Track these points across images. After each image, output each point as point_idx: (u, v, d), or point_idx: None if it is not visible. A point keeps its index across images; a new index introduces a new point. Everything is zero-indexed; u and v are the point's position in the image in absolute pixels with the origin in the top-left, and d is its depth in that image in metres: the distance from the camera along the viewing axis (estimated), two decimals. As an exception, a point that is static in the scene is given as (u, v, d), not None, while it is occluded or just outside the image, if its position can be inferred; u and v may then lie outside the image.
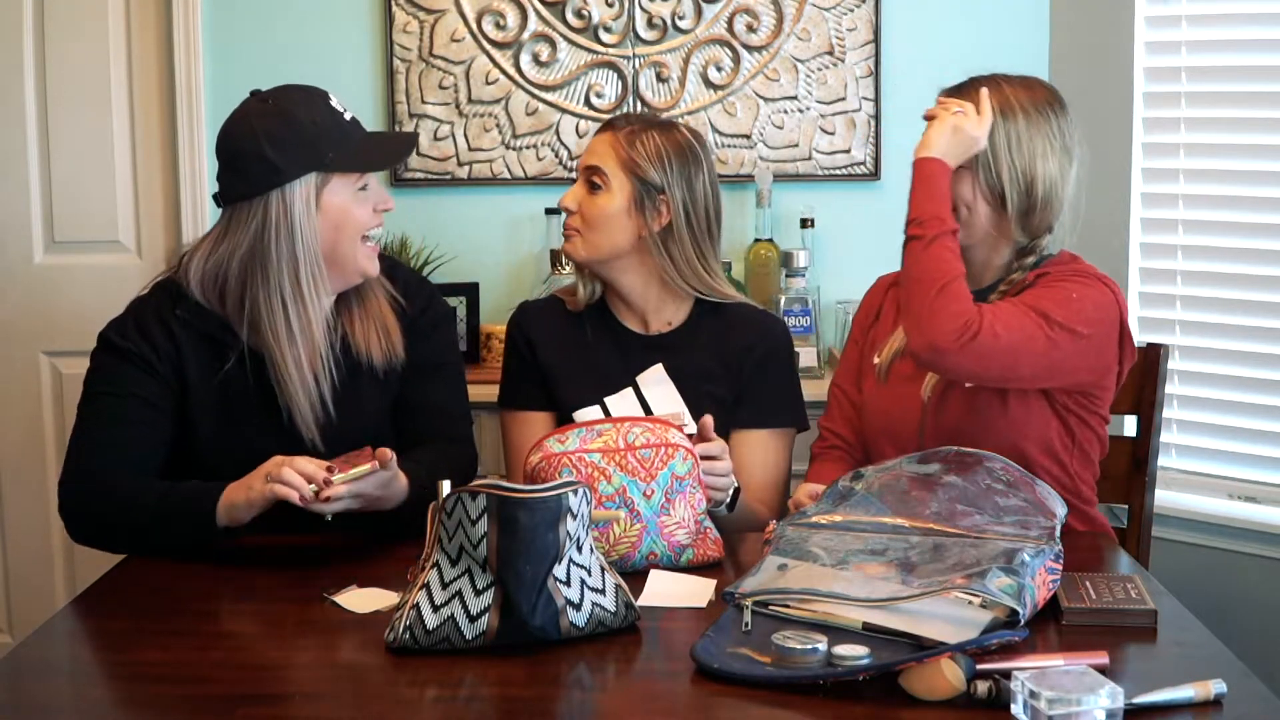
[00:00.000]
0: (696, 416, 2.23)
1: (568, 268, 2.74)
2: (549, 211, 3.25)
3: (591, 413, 2.25)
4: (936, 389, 2.10)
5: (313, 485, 1.90)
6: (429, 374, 2.25)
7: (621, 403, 2.25)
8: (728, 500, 2.08)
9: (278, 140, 2.06)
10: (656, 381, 2.27)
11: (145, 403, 2.11)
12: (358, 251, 2.13)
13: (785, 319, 2.76)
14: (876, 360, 2.21)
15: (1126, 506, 2.40)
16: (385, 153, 2.17)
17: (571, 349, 2.30)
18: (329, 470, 1.92)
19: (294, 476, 1.90)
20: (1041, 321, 1.98)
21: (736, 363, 2.29)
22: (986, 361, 1.97)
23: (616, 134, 2.27)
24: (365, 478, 1.94)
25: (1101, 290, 2.06)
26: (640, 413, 2.24)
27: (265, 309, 2.08)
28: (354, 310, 2.19)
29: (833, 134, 3.31)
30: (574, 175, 3.24)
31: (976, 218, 2.11)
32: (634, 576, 1.87)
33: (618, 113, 3.30)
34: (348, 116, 2.14)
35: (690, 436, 2.01)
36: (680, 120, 3.31)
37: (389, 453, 1.96)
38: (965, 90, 2.13)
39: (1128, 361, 2.11)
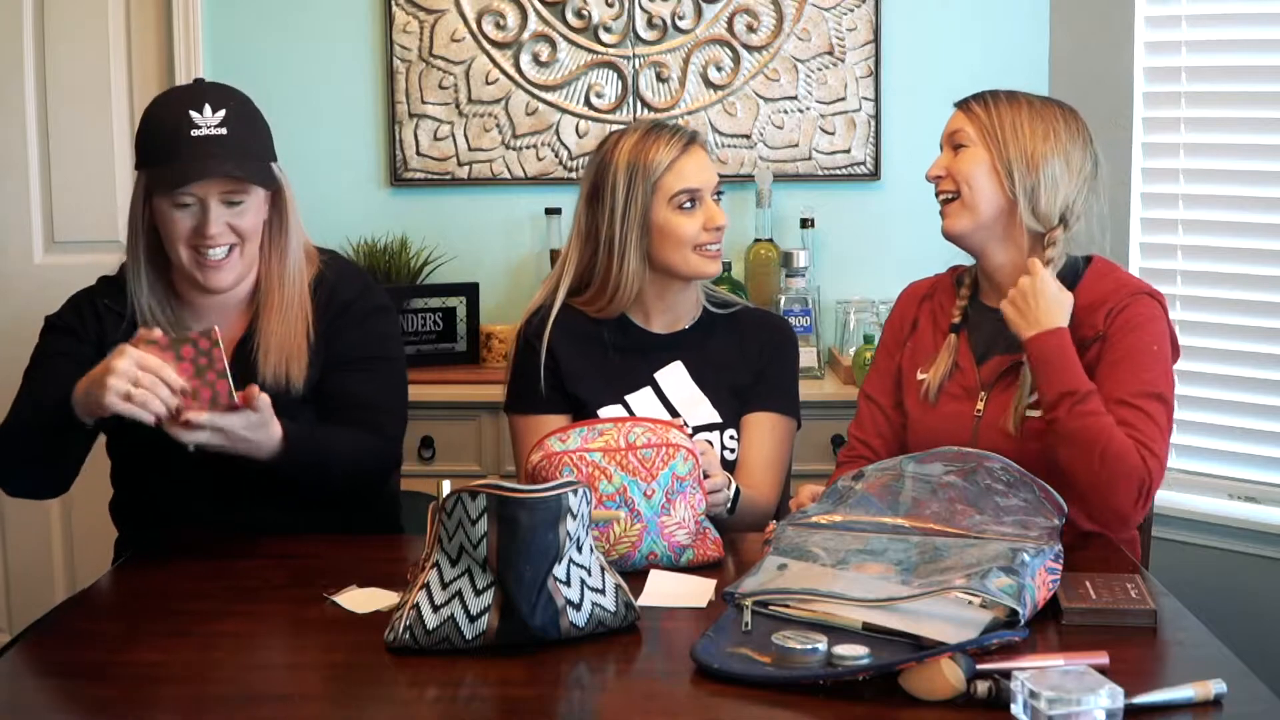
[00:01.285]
0: (717, 406, 2.25)
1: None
2: (549, 211, 3.26)
3: (614, 411, 2.25)
4: (1018, 423, 2.08)
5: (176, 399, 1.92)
6: (349, 366, 2.20)
7: (642, 400, 2.27)
8: (728, 507, 2.09)
9: (139, 131, 2.17)
10: (675, 378, 2.29)
11: (67, 359, 2.15)
12: (183, 259, 2.12)
13: (785, 319, 2.76)
14: (921, 377, 2.20)
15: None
16: (175, 176, 2.07)
17: (589, 352, 2.29)
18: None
19: (150, 399, 1.90)
20: (1162, 408, 2.03)
21: (754, 353, 2.32)
22: (1158, 483, 2.01)
23: (702, 145, 2.29)
24: (228, 414, 1.95)
25: (1160, 317, 2.09)
26: (661, 409, 2.26)
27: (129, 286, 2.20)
28: (260, 329, 2.17)
29: (833, 134, 3.31)
30: (574, 176, 3.25)
31: (979, 195, 2.11)
32: (634, 576, 1.87)
33: (618, 115, 3.30)
34: (202, 132, 2.07)
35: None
36: (676, 117, 3.32)
37: (255, 391, 1.96)
38: (980, 95, 2.17)
39: (1173, 363, 2.14)
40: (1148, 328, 2.06)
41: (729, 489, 2.08)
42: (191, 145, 2.06)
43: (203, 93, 2.12)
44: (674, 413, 2.26)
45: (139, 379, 1.91)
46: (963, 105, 2.17)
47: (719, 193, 2.30)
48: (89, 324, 2.20)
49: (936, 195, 2.17)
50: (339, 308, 2.22)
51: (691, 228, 2.24)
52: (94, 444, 2.12)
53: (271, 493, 2.13)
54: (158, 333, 1.97)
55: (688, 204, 2.25)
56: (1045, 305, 2.05)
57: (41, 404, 2.07)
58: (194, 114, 2.08)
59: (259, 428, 1.99)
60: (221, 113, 2.09)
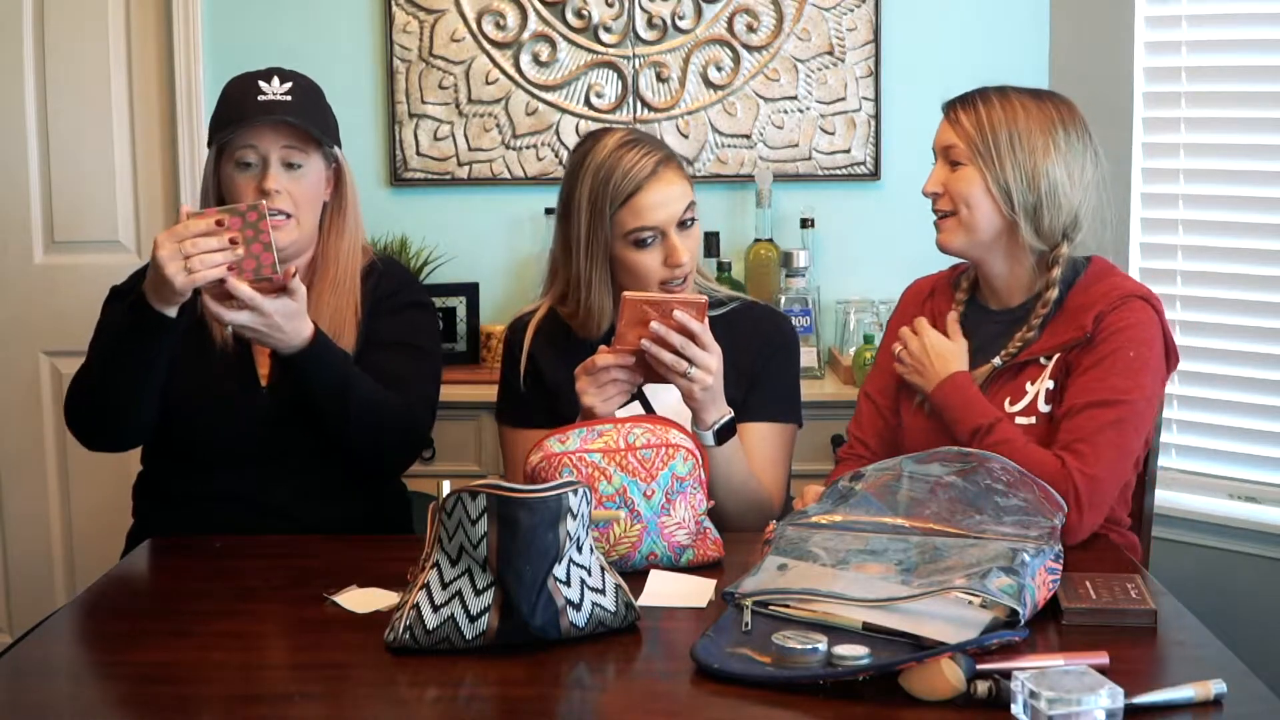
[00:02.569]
0: None
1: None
2: (549, 211, 3.25)
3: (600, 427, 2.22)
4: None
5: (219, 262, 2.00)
6: (383, 347, 2.26)
7: (628, 413, 2.22)
8: (714, 428, 2.08)
9: (214, 113, 2.25)
10: (665, 390, 2.23)
11: None
12: None
13: (784, 315, 2.75)
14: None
15: (1127, 506, 2.40)
16: (235, 128, 2.18)
17: (573, 362, 2.19)
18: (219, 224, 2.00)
19: (209, 259, 1.98)
20: (1113, 413, 1.97)
21: (748, 359, 2.26)
22: (1104, 500, 1.97)
23: (675, 167, 2.19)
24: (266, 285, 2.03)
25: (1149, 321, 2.04)
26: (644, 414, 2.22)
27: None
28: (313, 301, 2.22)
29: (833, 134, 3.31)
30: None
31: (978, 215, 2.08)
32: (634, 576, 1.87)
33: (618, 115, 3.30)
34: (267, 97, 2.18)
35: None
36: (676, 117, 3.31)
37: (294, 272, 2.06)
38: (970, 95, 2.11)
39: (1171, 370, 2.12)
40: (1128, 333, 2.03)
41: (723, 409, 2.08)
42: (256, 105, 2.18)
43: (275, 70, 2.24)
44: None
45: (185, 251, 1.99)
46: (951, 115, 2.11)
47: (689, 219, 2.18)
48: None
49: (933, 208, 2.14)
50: (383, 294, 2.31)
51: (651, 265, 2.17)
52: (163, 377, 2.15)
53: (294, 477, 2.21)
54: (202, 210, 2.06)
55: (647, 240, 2.16)
56: (940, 361, 2.07)
57: (117, 330, 2.12)
58: (262, 83, 2.20)
59: (294, 317, 2.07)
60: (289, 84, 2.21)
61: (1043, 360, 2.07)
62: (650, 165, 2.16)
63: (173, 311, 2.05)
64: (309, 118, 2.21)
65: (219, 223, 2.00)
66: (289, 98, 2.20)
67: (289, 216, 2.19)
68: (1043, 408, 2.06)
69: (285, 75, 2.23)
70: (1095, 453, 1.96)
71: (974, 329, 2.18)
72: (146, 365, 2.12)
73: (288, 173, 2.20)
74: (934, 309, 2.23)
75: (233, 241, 2.00)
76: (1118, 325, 2.03)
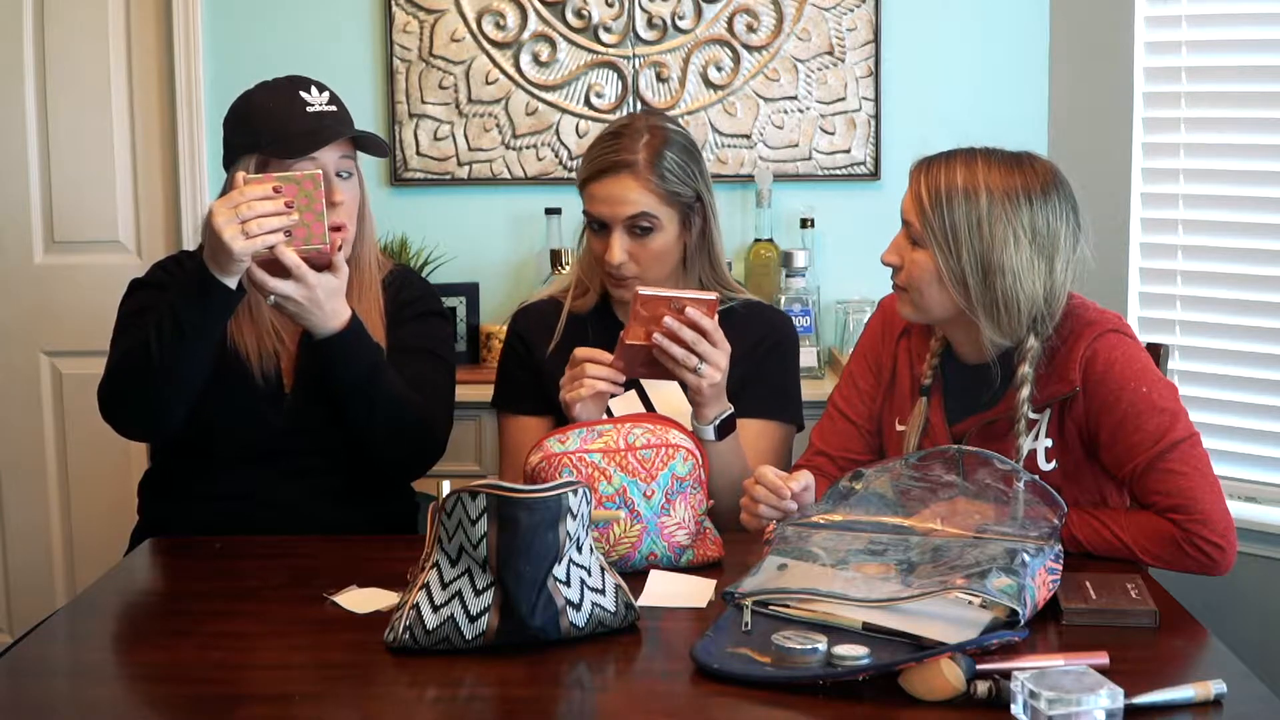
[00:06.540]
0: None
1: (566, 268, 2.73)
2: (549, 211, 3.25)
3: None
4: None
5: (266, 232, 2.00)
6: (405, 352, 2.26)
7: (625, 404, 2.24)
8: (715, 423, 2.09)
9: (233, 122, 2.22)
10: (661, 383, 2.24)
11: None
12: None
13: (784, 314, 2.75)
14: (900, 429, 2.11)
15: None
16: (302, 143, 2.15)
17: (571, 350, 2.23)
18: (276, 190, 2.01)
19: (265, 224, 1.98)
20: (1177, 447, 1.89)
21: (745, 355, 2.25)
22: (1226, 523, 1.88)
23: (637, 174, 2.17)
24: (314, 255, 2.04)
25: (1131, 351, 1.96)
26: (643, 412, 2.23)
27: None
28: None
29: (833, 134, 3.31)
30: (574, 176, 3.24)
31: (929, 302, 1.98)
32: (634, 576, 1.87)
33: (618, 115, 3.29)
34: (316, 109, 2.17)
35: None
36: (676, 117, 3.31)
37: (338, 245, 2.09)
38: (939, 162, 1.97)
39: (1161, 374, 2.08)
40: (1123, 371, 1.93)
41: (724, 404, 2.09)
42: (308, 118, 2.16)
43: (305, 80, 2.22)
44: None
45: (242, 215, 1.98)
46: (914, 182, 1.96)
47: (644, 227, 2.18)
48: (176, 276, 2.23)
49: (890, 277, 2.04)
50: (404, 301, 2.31)
51: (597, 250, 2.22)
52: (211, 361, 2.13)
53: (307, 479, 2.22)
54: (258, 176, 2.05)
55: (594, 225, 2.23)
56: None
57: (172, 303, 2.08)
58: (304, 94, 2.18)
59: (335, 295, 2.08)
60: (327, 94, 2.21)
61: (1032, 415, 1.97)
62: (609, 162, 2.19)
63: (233, 282, 2.03)
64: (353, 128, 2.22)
65: (275, 189, 2.00)
66: (334, 108, 2.20)
67: (339, 229, 2.16)
68: (1045, 465, 1.98)
69: (319, 85, 2.22)
70: (1190, 496, 1.88)
71: (949, 385, 2.08)
72: (204, 339, 2.08)
73: (339, 182, 2.17)
74: (911, 353, 2.13)
75: (288, 205, 2.00)
76: (1110, 371, 1.94)
